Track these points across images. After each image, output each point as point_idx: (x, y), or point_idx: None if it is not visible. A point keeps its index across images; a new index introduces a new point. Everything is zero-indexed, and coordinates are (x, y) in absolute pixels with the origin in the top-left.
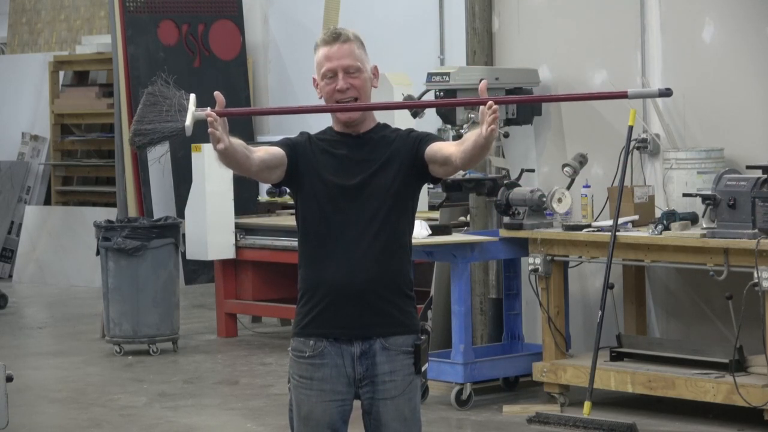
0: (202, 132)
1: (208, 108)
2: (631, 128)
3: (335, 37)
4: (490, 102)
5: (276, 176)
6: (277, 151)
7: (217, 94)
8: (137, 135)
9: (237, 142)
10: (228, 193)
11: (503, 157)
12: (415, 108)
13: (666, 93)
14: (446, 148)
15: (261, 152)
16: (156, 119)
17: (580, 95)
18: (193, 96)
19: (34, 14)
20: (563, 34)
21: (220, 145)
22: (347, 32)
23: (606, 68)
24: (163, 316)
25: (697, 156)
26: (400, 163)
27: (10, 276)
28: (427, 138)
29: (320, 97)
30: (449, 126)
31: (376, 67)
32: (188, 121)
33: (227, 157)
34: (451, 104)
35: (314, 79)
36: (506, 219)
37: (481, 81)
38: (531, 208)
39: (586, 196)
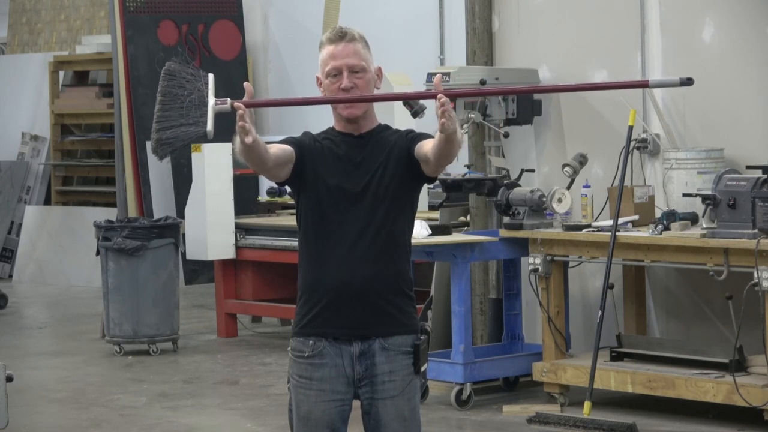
0: (220, 130)
1: (229, 99)
2: (631, 128)
3: (341, 35)
4: (438, 95)
5: (284, 174)
6: (287, 148)
7: (246, 84)
8: (160, 145)
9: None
10: (228, 193)
11: (503, 157)
12: (361, 102)
13: (687, 82)
14: (426, 146)
15: (274, 148)
16: (176, 122)
17: (600, 84)
18: (211, 77)
19: (34, 14)
20: (563, 34)
21: (249, 138)
22: (353, 32)
23: (606, 68)
24: (163, 316)
25: (697, 156)
26: (397, 163)
27: (10, 276)
28: (419, 137)
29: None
30: None
31: (380, 68)
32: (209, 125)
33: (252, 151)
34: (402, 98)
35: (317, 78)
36: (506, 219)
37: (436, 75)
38: (531, 208)
39: (586, 196)
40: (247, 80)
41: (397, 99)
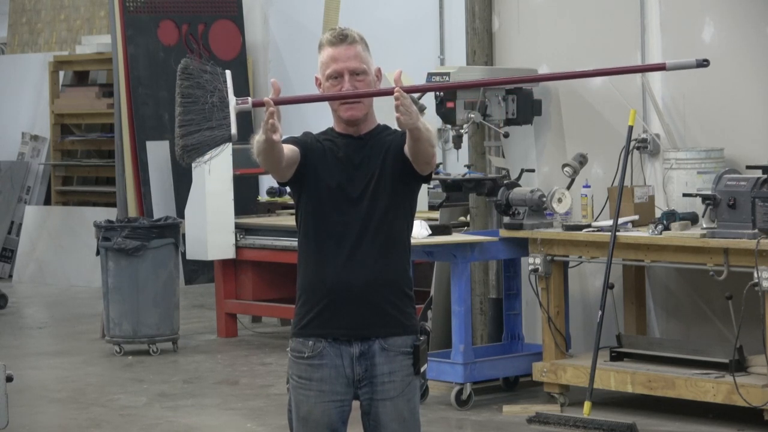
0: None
1: (249, 98)
2: (631, 128)
3: (342, 38)
4: (394, 90)
5: (290, 174)
6: (294, 148)
7: (273, 81)
8: (186, 151)
9: None
10: (228, 193)
11: (503, 157)
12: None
13: (703, 63)
14: None
15: (284, 149)
16: (199, 126)
17: (617, 69)
18: (229, 74)
19: (34, 14)
20: (563, 34)
21: (276, 135)
22: (353, 33)
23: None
24: (163, 316)
25: (697, 156)
26: (393, 163)
27: (10, 276)
28: None
29: None
30: (449, 126)
31: (379, 69)
32: (233, 129)
33: (273, 148)
34: (362, 95)
35: (317, 78)
36: (506, 219)
37: (395, 71)
38: (531, 208)
39: (586, 196)
40: (247, 80)
41: (363, 96)
